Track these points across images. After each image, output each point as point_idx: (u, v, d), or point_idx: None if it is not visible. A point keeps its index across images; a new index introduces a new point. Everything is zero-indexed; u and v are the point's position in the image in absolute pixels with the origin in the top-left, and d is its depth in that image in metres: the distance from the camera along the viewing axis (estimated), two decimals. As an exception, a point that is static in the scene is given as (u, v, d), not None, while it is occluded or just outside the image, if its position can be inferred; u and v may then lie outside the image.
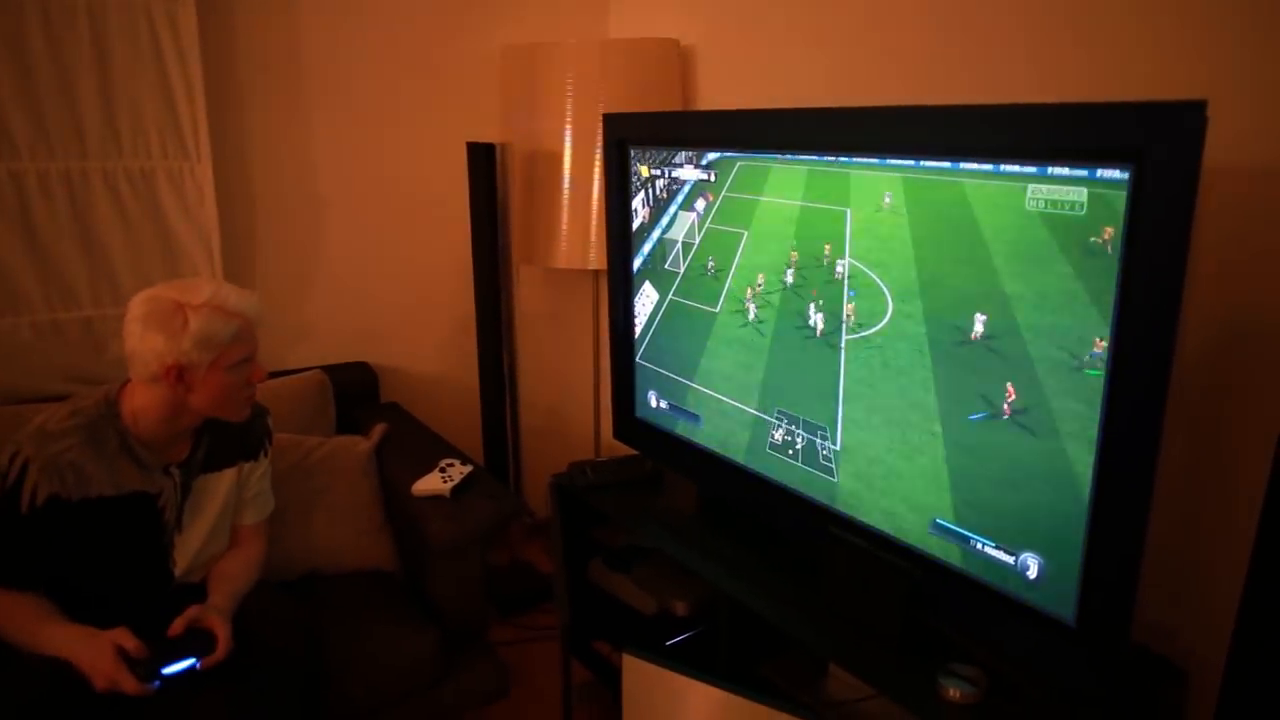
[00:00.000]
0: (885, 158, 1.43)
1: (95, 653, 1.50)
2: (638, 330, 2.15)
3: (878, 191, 1.45)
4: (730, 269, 1.83)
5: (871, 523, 1.58)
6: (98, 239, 2.27)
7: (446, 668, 1.96)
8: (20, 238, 2.18)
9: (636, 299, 2.13)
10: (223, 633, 1.60)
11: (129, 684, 1.48)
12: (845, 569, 1.57)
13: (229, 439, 1.81)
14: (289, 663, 1.69)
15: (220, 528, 1.81)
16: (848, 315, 1.54)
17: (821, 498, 1.68)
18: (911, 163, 1.39)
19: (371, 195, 2.69)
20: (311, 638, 1.78)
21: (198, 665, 1.56)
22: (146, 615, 1.60)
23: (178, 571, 1.76)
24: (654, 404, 2.14)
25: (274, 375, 2.41)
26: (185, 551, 1.76)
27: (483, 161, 2.56)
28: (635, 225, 2.09)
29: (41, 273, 2.23)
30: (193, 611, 1.61)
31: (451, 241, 2.82)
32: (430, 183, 2.77)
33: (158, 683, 1.52)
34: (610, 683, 2.20)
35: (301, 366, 2.57)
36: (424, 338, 2.87)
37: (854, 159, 1.49)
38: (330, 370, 2.53)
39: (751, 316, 1.78)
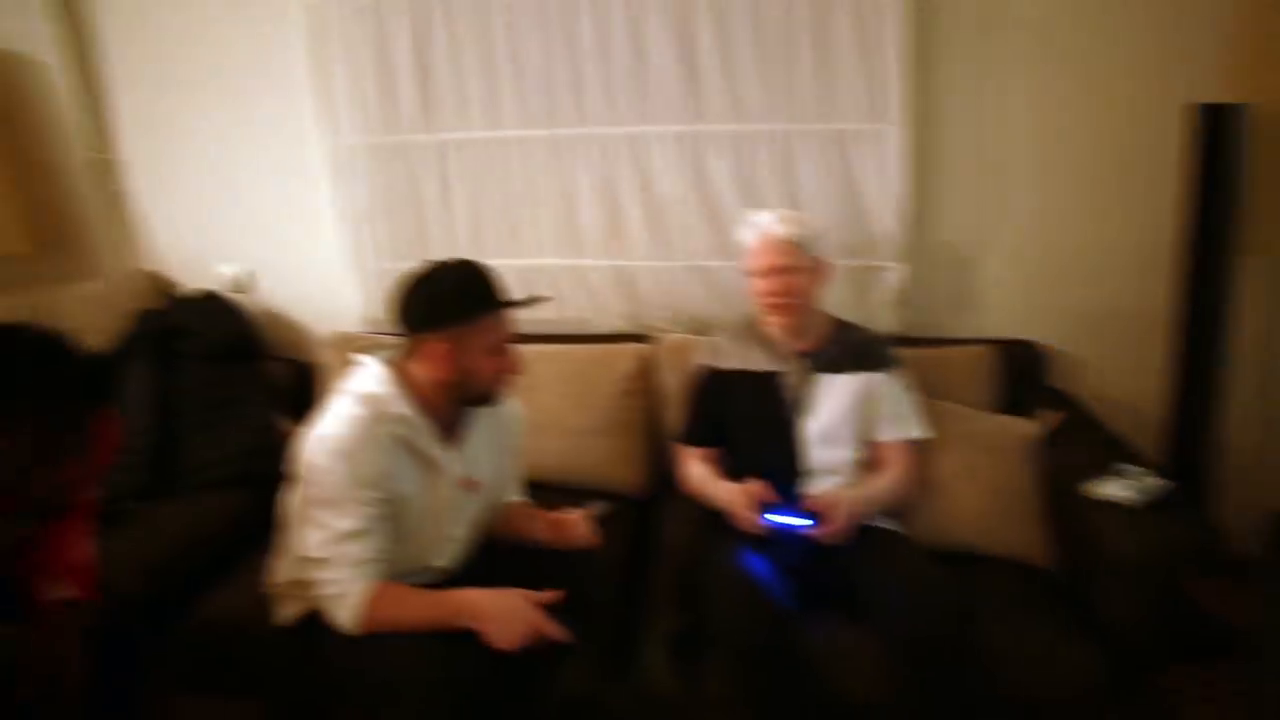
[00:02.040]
0: None
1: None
2: None
3: None
4: None
5: None
6: (798, 196, 2.42)
7: (1110, 697, 1.69)
8: (741, 194, 2.44)
9: None
10: (839, 511, 1.79)
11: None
12: None
13: (853, 349, 2.04)
14: (945, 637, 1.64)
15: (841, 426, 1.98)
16: None
17: None
18: None
19: (1060, 162, 2.43)
20: (962, 616, 1.68)
21: (807, 528, 1.77)
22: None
23: (804, 462, 1.95)
24: None
25: (939, 343, 2.38)
26: (808, 438, 1.97)
27: (1216, 127, 2.10)
28: None
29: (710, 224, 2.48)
30: (819, 495, 1.85)
31: (1149, 220, 2.41)
32: (1128, 150, 2.39)
33: (766, 520, 1.80)
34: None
35: (966, 337, 2.46)
36: (1105, 323, 2.52)
37: None
38: (994, 345, 2.37)
39: None
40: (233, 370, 2.57)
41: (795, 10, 2.29)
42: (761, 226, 2.01)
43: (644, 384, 2.37)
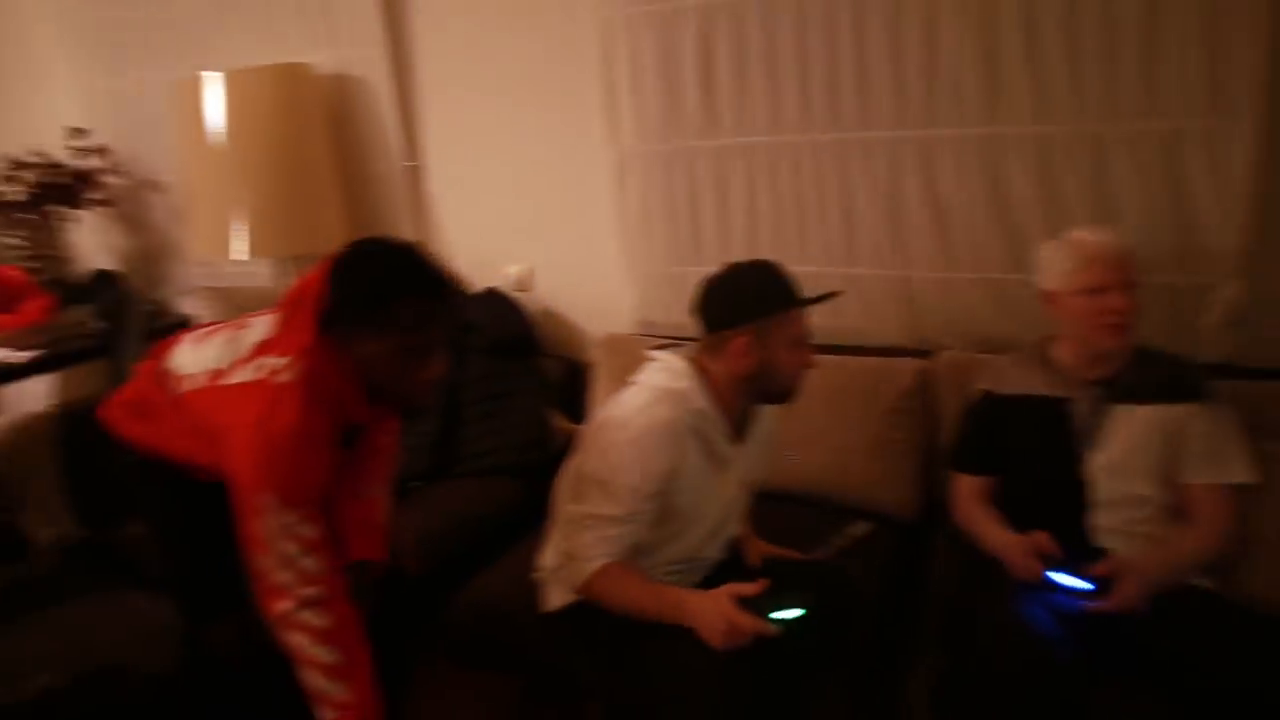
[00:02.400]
0: None
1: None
2: None
3: None
4: None
5: None
6: (1110, 203, 2.16)
7: None
8: (1043, 201, 2.21)
9: None
10: (1126, 588, 1.58)
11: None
12: None
13: (1157, 377, 1.81)
14: None
15: (1137, 461, 1.76)
16: None
17: None
18: None
19: None
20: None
21: (1091, 595, 1.58)
22: (1063, 539, 1.68)
23: (1092, 495, 1.76)
24: None
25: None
26: (1097, 473, 1.77)
27: None
28: None
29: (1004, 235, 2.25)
30: (1110, 561, 1.63)
31: None
32: None
33: (1047, 577, 1.62)
34: None
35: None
36: None
37: None
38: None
39: None
40: (511, 365, 2.71)
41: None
42: (1096, 240, 1.84)
43: (919, 402, 2.21)
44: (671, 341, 2.57)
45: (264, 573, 1.44)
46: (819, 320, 2.20)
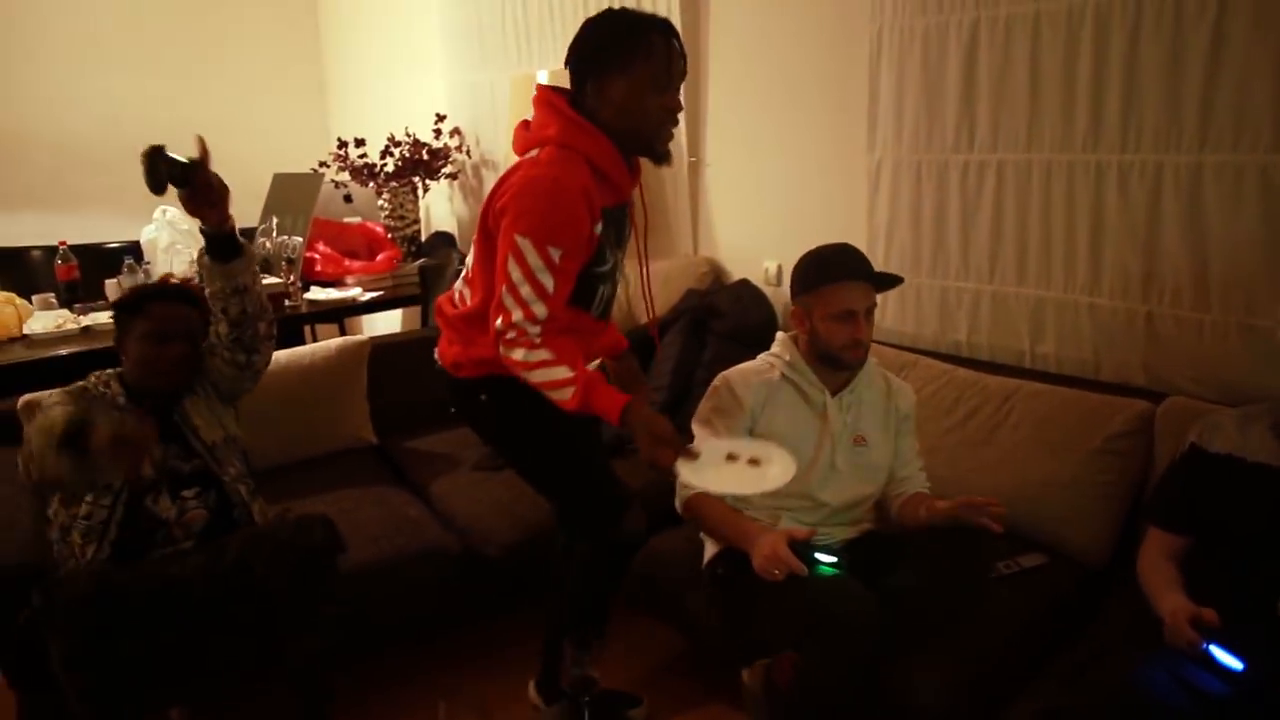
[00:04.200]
0: None
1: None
2: None
3: None
4: None
5: None
6: None
7: None
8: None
9: None
10: None
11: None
12: None
13: None
14: None
15: None
16: None
17: None
18: None
19: None
20: None
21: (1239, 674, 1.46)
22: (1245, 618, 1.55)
23: None
24: None
25: None
26: None
27: None
28: None
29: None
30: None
31: None
32: None
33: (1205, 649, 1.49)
34: None
35: None
36: None
37: None
38: None
39: None
40: (748, 352, 2.89)
41: None
42: None
43: (1135, 446, 2.05)
44: (904, 350, 2.61)
45: (501, 306, 1.63)
46: (1047, 348, 2.33)
